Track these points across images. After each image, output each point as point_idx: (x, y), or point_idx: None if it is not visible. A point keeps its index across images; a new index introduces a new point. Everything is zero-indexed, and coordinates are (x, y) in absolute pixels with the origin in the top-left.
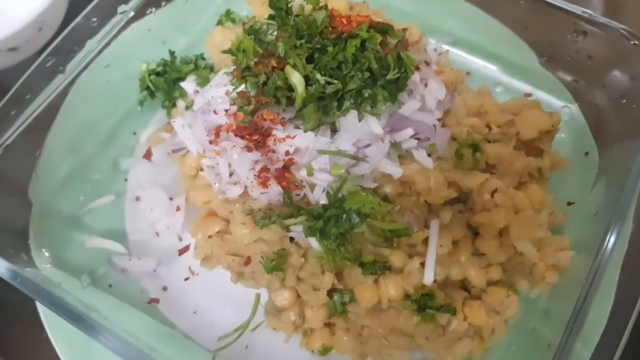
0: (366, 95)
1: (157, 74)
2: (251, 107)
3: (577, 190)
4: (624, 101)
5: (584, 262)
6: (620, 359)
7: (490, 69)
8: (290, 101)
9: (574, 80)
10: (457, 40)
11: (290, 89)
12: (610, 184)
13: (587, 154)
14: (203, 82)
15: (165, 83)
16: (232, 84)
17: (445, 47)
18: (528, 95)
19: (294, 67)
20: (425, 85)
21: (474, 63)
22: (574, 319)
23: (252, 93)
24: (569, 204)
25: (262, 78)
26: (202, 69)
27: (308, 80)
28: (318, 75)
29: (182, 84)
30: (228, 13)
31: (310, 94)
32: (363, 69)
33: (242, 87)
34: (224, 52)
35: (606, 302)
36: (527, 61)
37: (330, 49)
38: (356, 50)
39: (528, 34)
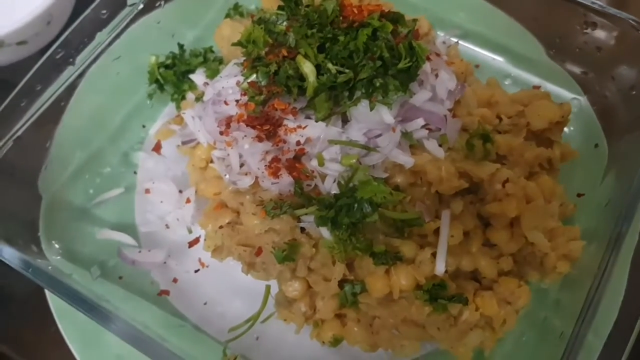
0: (377, 84)
1: (166, 66)
2: (262, 97)
3: (587, 182)
4: (634, 93)
5: (595, 253)
6: (632, 349)
7: (499, 61)
8: (302, 91)
9: (582, 72)
10: (466, 32)
11: (302, 78)
12: (620, 175)
13: (596, 145)
14: (212, 74)
15: (174, 76)
16: (243, 75)
17: (453, 39)
18: (537, 87)
19: (305, 56)
20: (436, 75)
21: (483, 55)
22: (586, 309)
23: (263, 83)
24: (579, 195)
25: (273, 67)
26: (211, 62)
27: (319, 70)
28: (329, 65)
29: (191, 76)
30: (236, 6)
31: (322, 83)
32: (375, 57)
33: (253, 77)
34: (234, 44)
35: (618, 293)
36: (535, 53)
37: (341, 38)
38: (367, 39)
39: (536, 26)
